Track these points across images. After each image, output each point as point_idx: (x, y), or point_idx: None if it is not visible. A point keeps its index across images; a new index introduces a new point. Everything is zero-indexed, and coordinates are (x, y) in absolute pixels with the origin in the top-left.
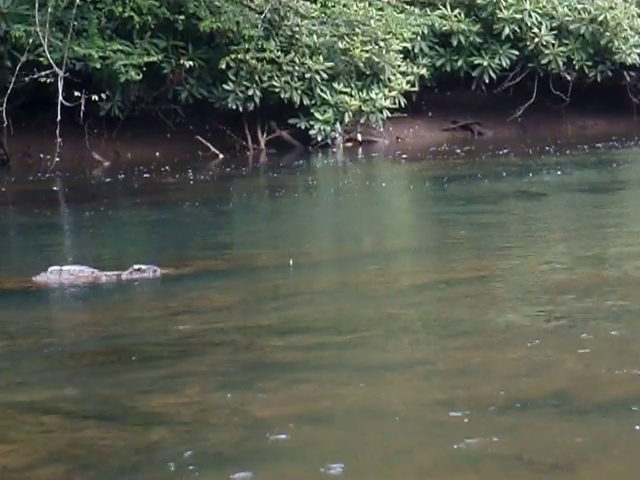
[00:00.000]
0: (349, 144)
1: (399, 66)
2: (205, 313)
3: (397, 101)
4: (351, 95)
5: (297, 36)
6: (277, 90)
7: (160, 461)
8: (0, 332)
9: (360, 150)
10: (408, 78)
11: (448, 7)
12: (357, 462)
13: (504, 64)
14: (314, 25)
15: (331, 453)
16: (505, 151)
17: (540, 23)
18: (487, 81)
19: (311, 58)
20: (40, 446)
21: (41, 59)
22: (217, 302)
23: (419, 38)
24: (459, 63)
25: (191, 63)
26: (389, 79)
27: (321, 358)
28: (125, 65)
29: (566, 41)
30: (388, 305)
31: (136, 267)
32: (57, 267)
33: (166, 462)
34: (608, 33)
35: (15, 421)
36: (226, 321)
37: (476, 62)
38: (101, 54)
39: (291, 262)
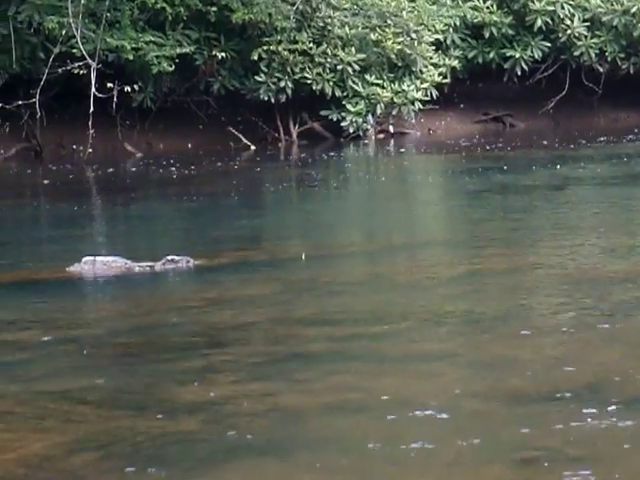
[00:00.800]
0: (381, 136)
1: (431, 58)
2: (239, 304)
3: (429, 93)
4: (383, 87)
5: (329, 28)
6: (309, 82)
7: (194, 451)
8: (35, 322)
9: (392, 142)
10: (440, 70)
11: None
12: (390, 452)
13: (536, 56)
14: (346, 17)
15: (364, 443)
16: (537, 143)
17: (572, 15)
18: (519, 73)
19: (343, 50)
20: (74, 434)
21: (74, 50)
22: (251, 293)
23: (451, 30)
24: (491, 55)
25: (223, 54)
26: (421, 71)
27: (354, 349)
28: (157, 56)
29: (599, 33)
30: (420, 297)
31: (169, 258)
32: (91, 258)
33: (200, 452)
34: None
35: (50, 410)
36: (260, 312)
37: (508, 54)
38: (134, 45)
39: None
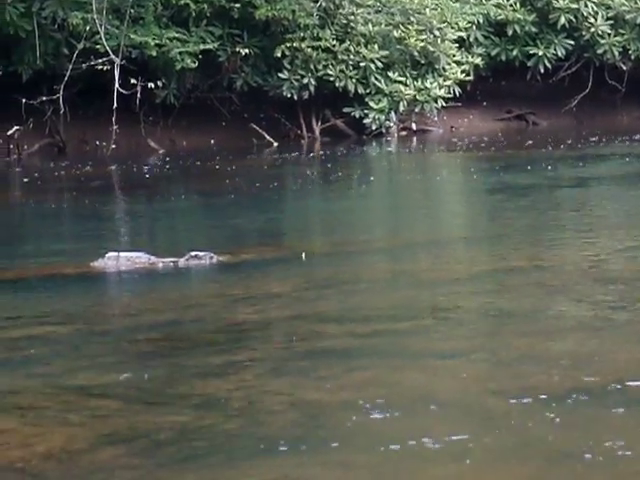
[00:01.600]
0: (403, 133)
1: (454, 55)
2: (262, 300)
3: (452, 90)
4: (406, 84)
5: (352, 25)
6: (332, 79)
7: (217, 446)
8: (59, 317)
9: (414, 139)
10: (463, 67)
11: None
12: (414, 449)
13: (559, 54)
14: (369, 14)
15: (387, 440)
16: (560, 141)
17: (596, 13)
18: (542, 71)
19: (366, 47)
20: (99, 429)
21: (98, 47)
22: (274, 289)
23: (474, 27)
24: (514, 52)
25: (246, 51)
26: (444, 68)
27: (378, 345)
28: (181, 53)
29: (622, 31)
30: (444, 293)
31: (193, 254)
32: (115, 253)
33: (223, 447)
34: None
35: (74, 404)
36: (283, 308)
37: (531, 52)
38: (157, 42)
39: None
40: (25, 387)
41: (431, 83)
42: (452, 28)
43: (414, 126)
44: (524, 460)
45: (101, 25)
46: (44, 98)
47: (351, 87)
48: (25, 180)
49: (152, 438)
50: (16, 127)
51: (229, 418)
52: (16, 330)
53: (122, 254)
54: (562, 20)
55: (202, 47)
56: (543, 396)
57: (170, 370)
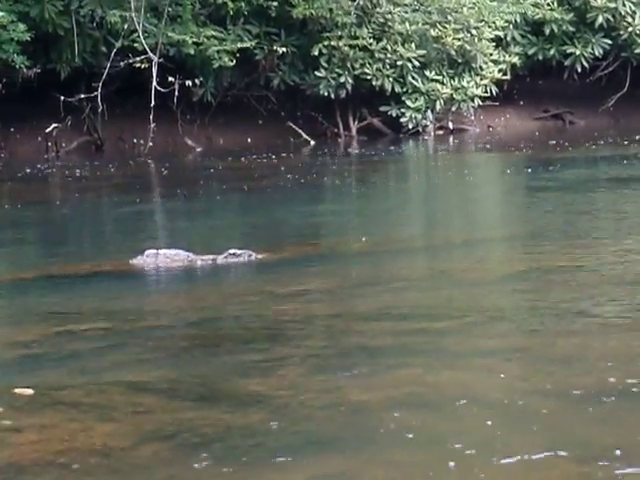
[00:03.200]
0: (440, 132)
1: (491, 54)
2: (301, 298)
3: (488, 89)
4: (443, 83)
5: (389, 23)
6: (369, 77)
7: (259, 444)
8: (99, 314)
9: (451, 138)
10: (500, 66)
11: None
12: (455, 448)
13: (597, 53)
14: (406, 12)
15: (429, 438)
16: (597, 140)
17: (634, 12)
18: (579, 70)
19: (403, 46)
20: (142, 426)
21: (135, 45)
22: (313, 287)
23: (511, 26)
24: (551, 52)
25: (284, 49)
26: (481, 67)
27: (418, 344)
28: (218, 51)
29: None
30: (483, 293)
31: (231, 252)
32: (153, 250)
33: (265, 445)
34: None
35: (117, 400)
36: (322, 306)
37: (568, 51)
38: (195, 40)
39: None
40: (68, 383)
41: (468, 82)
42: (489, 27)
43: (451, 125)
44: (566, 460)
45: (139, 23)
46: (82, 96)
47: (388, 86)
48: (63, 178)
49: (195, 435)
50: (54, 125)
51: (271, 415)
52: (58, 326)
53: (161, 251)
54: (600, 19)
55: (239, 45)
56: (583, 395)
57: (211, 367)
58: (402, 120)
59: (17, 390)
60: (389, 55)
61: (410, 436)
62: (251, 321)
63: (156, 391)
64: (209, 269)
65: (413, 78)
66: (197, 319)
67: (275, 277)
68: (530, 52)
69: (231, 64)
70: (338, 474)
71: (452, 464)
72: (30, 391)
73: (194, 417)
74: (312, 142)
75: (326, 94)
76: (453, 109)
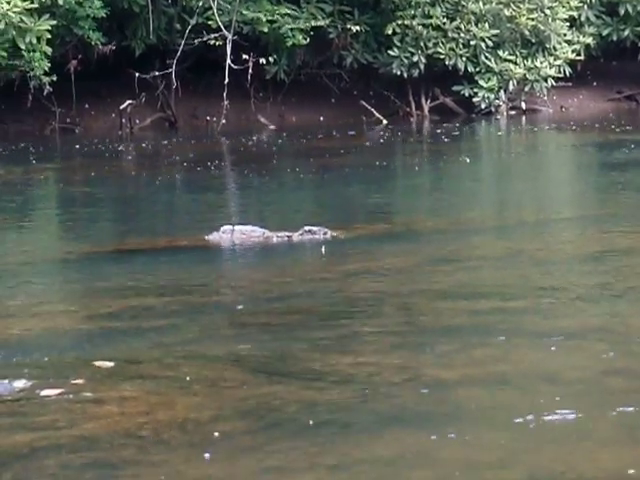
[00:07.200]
0: (513, 112)
1: (565, 34)
2: (377, 275)
3: (562, 70)
4: (516, 63)
5: (463, 3)
6: (442, 57)
7: (337, 420)
8: (177, 289)
9: (524, 119)
10: (574, 47)
11: None
12: (534, 426)
13: None
14: None
15: (508, 416)
16: None
17: None
18: None
19: (476, 25)
20: (221, 400)
21: (210, 22)
22: (388, 265)
23: (586, 7)
24: (626, 32)
25: (357, 28)
26: (554, 47)
27: (495, 323)
28: (292, 29)
29: None
30: (559, 272)
31: (307, 229)
32: (229, 227)
33: (343, 421)
34: None
35: (196, 375)
36: (397, 283)
37: None
38: (269, 18)
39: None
40: (147, 356)
41: (541, 62)
42: (563, 7)
43: (524, 105)
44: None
45: (214, 1)
46: (156, 73)
47: (461, 65)
48: (138, 154)
49: (274, 410)
50: (129, 101)
51: (351, 392)
52: (135, 300)
53: (237, 228)
54: None
55: (313, 24)
56: None
57: (288, 342)
58: (475, 100)
59: (97, 363)
60: (462, 34)
61: (489, 415)
62: (327, 297)
63: (235, 365)
64: (285, 246)
65: (486, 58)
66: (273, 295)
67: (351, 254)
68: (604, 33)
69: (304, 42)
70: (418, 452)
71: (532, 443)
72: (110, 363)
73: (273, 392)
74: (384, 121)
75: (399, 73)
76: (526, 89)
